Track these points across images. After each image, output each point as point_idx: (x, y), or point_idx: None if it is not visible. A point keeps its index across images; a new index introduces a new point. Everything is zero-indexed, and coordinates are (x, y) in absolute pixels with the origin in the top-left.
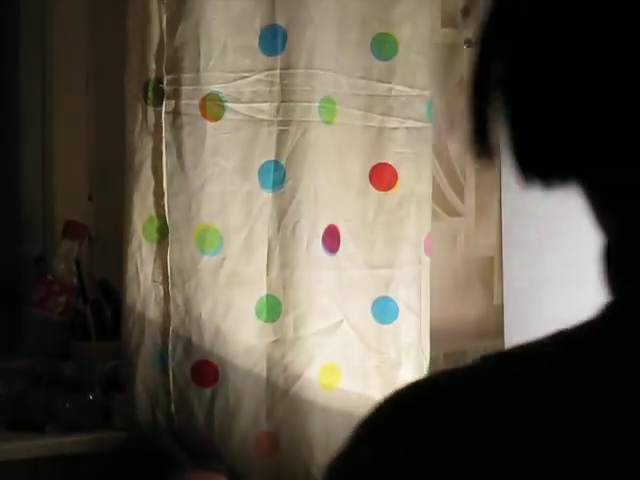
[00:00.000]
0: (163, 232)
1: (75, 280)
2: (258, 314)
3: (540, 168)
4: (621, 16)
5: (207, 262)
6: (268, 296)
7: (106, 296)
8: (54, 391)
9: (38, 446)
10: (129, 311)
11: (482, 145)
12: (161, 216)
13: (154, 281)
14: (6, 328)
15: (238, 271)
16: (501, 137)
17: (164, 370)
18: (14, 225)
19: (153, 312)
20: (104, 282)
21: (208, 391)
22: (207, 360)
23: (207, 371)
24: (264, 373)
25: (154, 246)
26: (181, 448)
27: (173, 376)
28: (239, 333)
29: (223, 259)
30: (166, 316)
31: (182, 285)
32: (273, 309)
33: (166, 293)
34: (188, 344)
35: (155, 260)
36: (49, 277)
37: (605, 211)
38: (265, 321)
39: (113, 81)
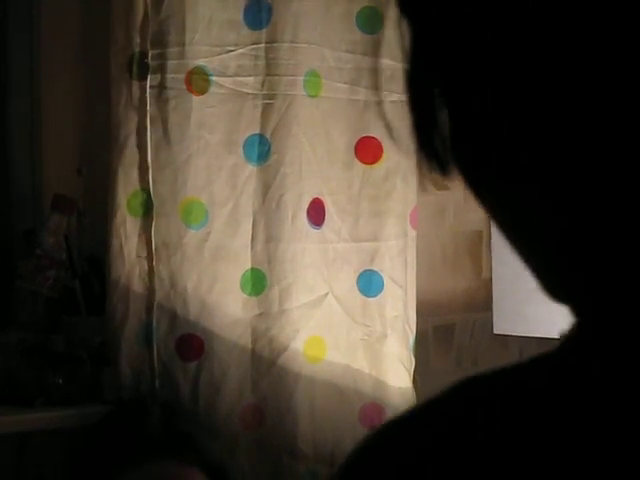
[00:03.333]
0: (147, 206)
1: (64, 255)
2: (243, 287)
3: (488, 180)
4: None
5: (193, 236)
6: (253, 269)
7: (95, 271)
8: (44, 365)
9: (28, 420)
10: (113, 286)
11: (435, 161)
12: (145, 190)
13: (138, 256)
14: None
15: (223, 245)
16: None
17: (148, 345)
18: (3, 199)
19: (137, 287)
20: (92, 257)
21: (193, 365)
22: (192, 334)
23: (192, 345)
24: (249, 346)
25: (138, 220)
26: (161, 434)
27: (157, 350)
28: (224, 307)
29: (208, 233)
30: (151, 291)
31: (167, 259)
32: (258, 282)
33: (150, 268)
34: (173, 318)
35: (140, 235)
36: (38, 251)
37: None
38: (250, 294)
39: (102, 55)
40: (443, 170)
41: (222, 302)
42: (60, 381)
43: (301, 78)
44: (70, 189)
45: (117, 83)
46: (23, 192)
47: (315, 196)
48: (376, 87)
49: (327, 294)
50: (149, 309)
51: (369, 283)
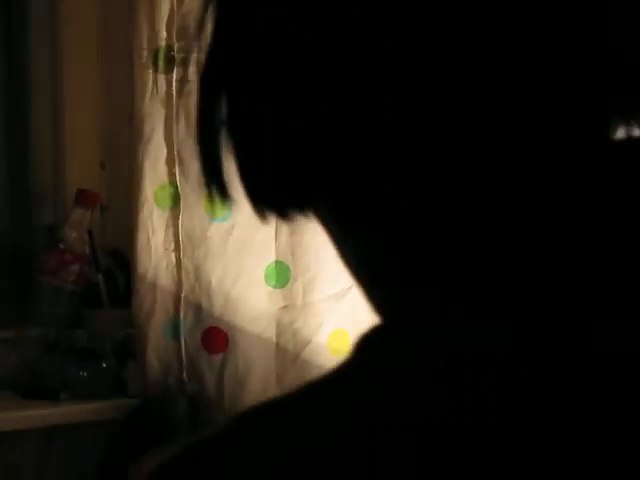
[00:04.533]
0: (175, 199)
1: (87, 249)
2: (267, 280)
3: (271, 202)
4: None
5: (217, 229)
6: (277, 262)
7: (118, 265)
8: (68, 359)
9: (52, 414)
10: (140, 280)
11: (216, 187)
12: (173, 183)
13: (165, 249)
14: (19, 297)
15: (247, 238)
16: (233, 174)
17: (175, 338)
18: (26, 194)
19: (164, 280)
20: (116, 251)
21: (218, 358)
22: (217, 327)
23: (217, 338)
24: (274, 339)
25: (165, 214)
26: (188, 425)
27: (184, 343)
28: (249, 299)
29: (233, 225)
30: (177, 284)
31: (192, 252)
32: (282, 275)
33: (178, 261)
34: (198, 311)
35: (167, 228)
36: (61, 246)
37: (348, 236)
38: (274, 287)
39: (124, 48)
40: (223, 195)
41: (247, 295)
42: (84, 375)
43: None
44: (93, 183)
45: (141, 77)
46: (46, 187)
47: None
48: None
49: (351, 286)
50: (176, 302)
51: None
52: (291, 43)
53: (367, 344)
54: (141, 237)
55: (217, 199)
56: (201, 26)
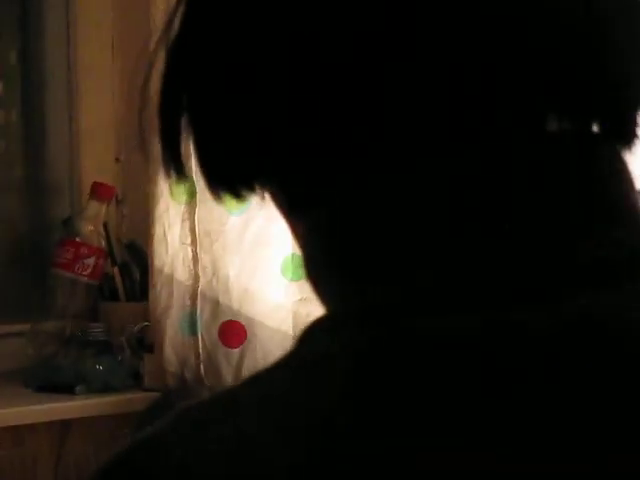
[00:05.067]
0: (191, 193)
1: (103, 242)
2: (284, 273)
3: (225, 182)
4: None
5: (234, 222)
6: (294, 255)
7: (134, 258)
8: (84, 353)
9: (68, 408)
10: (157, 273)
11: (174, 166)
12: (189, 177)
13: (182, 243)
14: (35, 290)
15: (264, 230)
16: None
17: (192, 332)
18: (42, 188)
19: (181, 274)
20: (132, 244)
21: (236, 351)
22: (235, 320)
23: (235, 331)
24: (291, 332)
25: (182, 207)
26: None
27: (202, 337)
28: (266, 292)
29: (249, 219)
30: (194, 277)
31: (209, 246)
32: (299, 267)
33: (194, 254)
34: (215, 305)
35: (183, 221)
36: (77, 239)
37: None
38: (291, 280)
39: (139, 41)
40: (180, 173)
41: (264, 288)
42: (100, 368)
43: None
44: (108, 177)
45: (158, 69)
46: (61, 181)
47: None
48: None
49: None
50: (193, 296)
51: None
52: (242, 43)
53: (312, 337)
54: (157, 231)
55: (175, 178)
56: (170, 23)
